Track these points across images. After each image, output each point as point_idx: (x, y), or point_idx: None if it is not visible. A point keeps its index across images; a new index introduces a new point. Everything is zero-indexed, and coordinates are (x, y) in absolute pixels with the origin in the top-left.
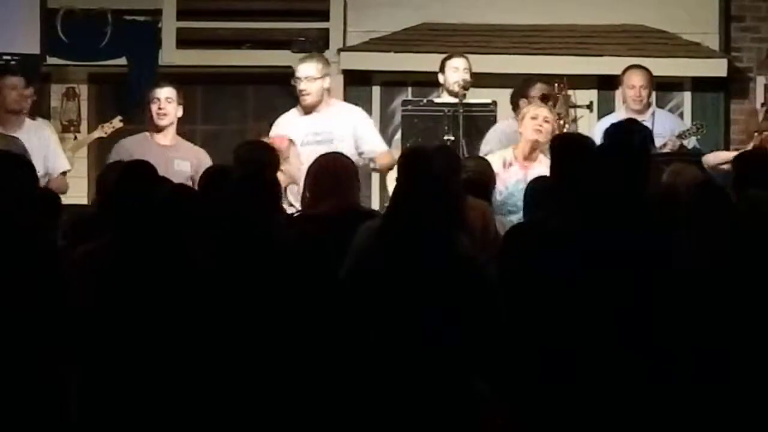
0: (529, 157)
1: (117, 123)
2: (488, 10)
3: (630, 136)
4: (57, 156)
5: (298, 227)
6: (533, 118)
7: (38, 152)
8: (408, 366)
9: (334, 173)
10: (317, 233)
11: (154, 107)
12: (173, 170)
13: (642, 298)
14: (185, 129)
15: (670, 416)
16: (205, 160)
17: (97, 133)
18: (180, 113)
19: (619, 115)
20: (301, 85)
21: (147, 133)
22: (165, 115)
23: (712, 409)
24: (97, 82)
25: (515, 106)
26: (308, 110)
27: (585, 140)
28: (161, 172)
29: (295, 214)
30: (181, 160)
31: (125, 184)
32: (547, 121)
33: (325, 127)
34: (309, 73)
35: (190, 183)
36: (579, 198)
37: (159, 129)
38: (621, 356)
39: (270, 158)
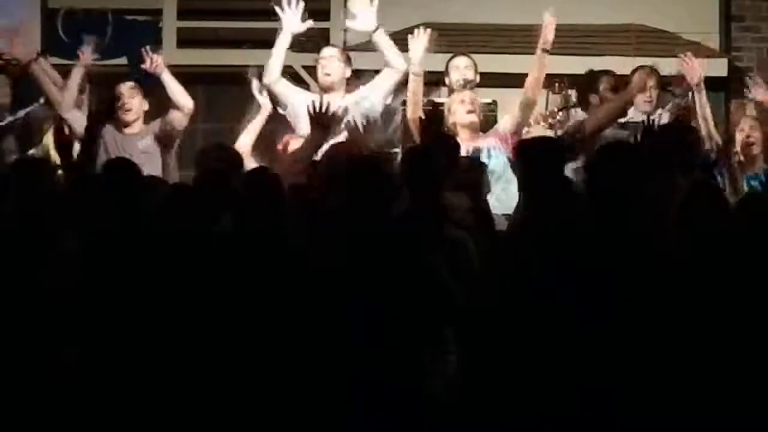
0: (470, 138)
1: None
2: (488, 9)
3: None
4: None
5: (302, 223)
6: (462, 101)
7: None
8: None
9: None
10: (321, 230)
11: (118, 102)
12: (137, 152)
13: (633, 299)
14: (186, 128)
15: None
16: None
17: None
18: (146, 107)
19: (628, 115)
20: (323, 61)
21: (111, 126)
22: (129, 110)
23: (710, 406)
24: (97, 82)
25: (585, 103)
26: (326, 90)
27: (553, 142)
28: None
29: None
30: (141, 139)
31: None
32: (474, 101)
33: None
34: (332, 53)
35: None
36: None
37: (126, 124)
38: (610, 359)
39: (234, 160)
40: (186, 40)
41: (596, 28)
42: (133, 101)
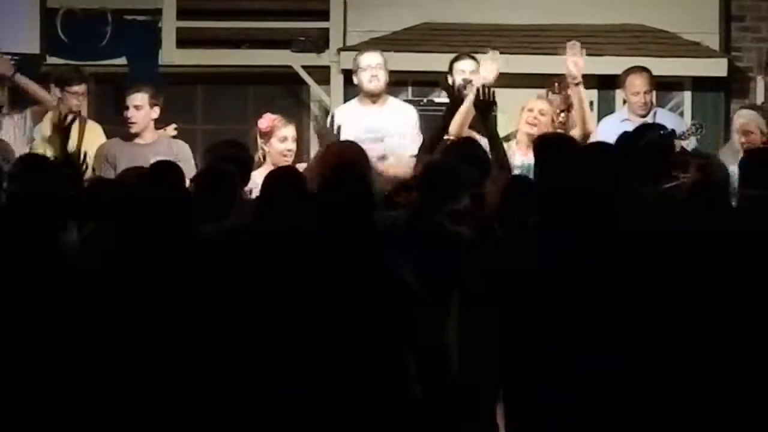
0: (529, 147)
1: (171, 131)
2: (488, 9)
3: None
4: None
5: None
6: (529, 110)
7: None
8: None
9: (346, 163)
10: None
11: (125, 114)
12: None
13: (630, 298)
14: (186, 129)
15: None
16: (182, 153)
17: None
18: (154, 115)
19: (621, 115)
20: (372, 71)
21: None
22: (133, 123)
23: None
24: (97, 82)
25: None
26: (373, 99)
27: (567, 139)
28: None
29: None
30: (157, 156)
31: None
32: (542, 114)
33: (378, 125)
34: (378, 61)
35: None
36: (559, 196)
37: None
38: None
39: (245, 157)
40: (185, 40)
41: (596, 28)
42: (138, 114)
